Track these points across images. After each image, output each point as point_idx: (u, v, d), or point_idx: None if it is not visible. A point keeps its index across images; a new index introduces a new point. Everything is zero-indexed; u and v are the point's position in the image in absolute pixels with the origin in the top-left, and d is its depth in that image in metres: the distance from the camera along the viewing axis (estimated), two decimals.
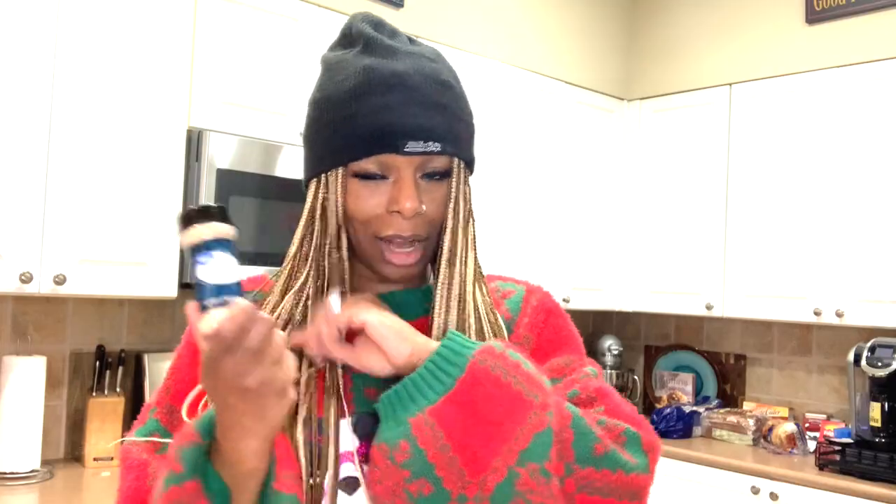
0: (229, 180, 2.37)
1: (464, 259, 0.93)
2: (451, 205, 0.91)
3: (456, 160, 0.91)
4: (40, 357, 2.28)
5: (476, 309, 0.93)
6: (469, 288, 0.93)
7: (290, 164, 2.49)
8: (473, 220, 0.95)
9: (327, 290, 0.89)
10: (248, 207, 2.41)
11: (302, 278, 0.90)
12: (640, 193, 3.73)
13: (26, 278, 2.04)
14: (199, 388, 0.88)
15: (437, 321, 0.90)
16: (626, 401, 0.93)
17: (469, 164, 0.94)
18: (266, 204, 2.45)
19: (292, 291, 0.90)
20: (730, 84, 3.42)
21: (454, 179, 0.91)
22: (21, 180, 2.06)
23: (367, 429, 0.87)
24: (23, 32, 2.06)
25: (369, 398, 0.89)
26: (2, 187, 2.03)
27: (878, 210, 2.94)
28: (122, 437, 0.95)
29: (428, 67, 0.89)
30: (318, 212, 0.90)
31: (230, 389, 0.73)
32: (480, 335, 0.91)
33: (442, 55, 0.95)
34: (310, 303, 0.89)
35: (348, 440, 0.87)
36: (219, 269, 0.73)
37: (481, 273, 0.99)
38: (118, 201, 2.22)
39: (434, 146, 0.86)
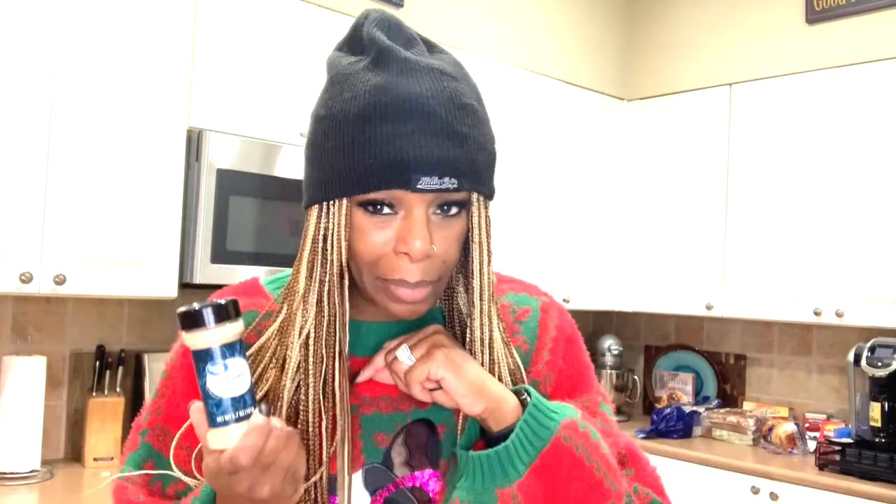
0: (229, 180, 2.37)
1: (492, 295, 0.86)
2: (477, 240, 0.83)
3: (475, 195, 0.81)
4: (40, 357, 2.28)
5: (506, 356, 0.88)
6: (496, 324, 0.87)
7: (290, 164, 2.49)
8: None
9: (332, 330, 0.83)
10: (248, 207, 2.41)
11: (301, 316, 0.82)
12: (640, 193, 3.73)
13: (26, 278, 2.04)
14: (187, 424, 0.82)
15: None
16: (646, 459, 0.94)
17: (489, 197, 0.84)
18: (266, 204, 2.45)
19: (296, 331, 0.82)
20: (730, 84, 3.42)
21: (475, 216, 0.82)
22: (21, 180, 2.06)
23: (378, 482, 0.85)
24: (23, 32, 2.06)
25: (378, 445, 0.86)
26: (2, 187, 2.03)
27: (878, 210, 2.94)
28: (121, 439, 0.95)
29: (448, 88, 0.79)
30: (321, 244, 0.80)
31: (239, 498, 0.72)
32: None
33: (463, 66, 0.86)
34: (311, 342, 0.81)
35: (358, 496, 0.85)
36: (230, 379, 0.69)
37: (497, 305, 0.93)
38: (118, 201, 2.22)
39: (450, 182, 0.76)
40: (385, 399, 0.87)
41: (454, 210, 0.80)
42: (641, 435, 3.29)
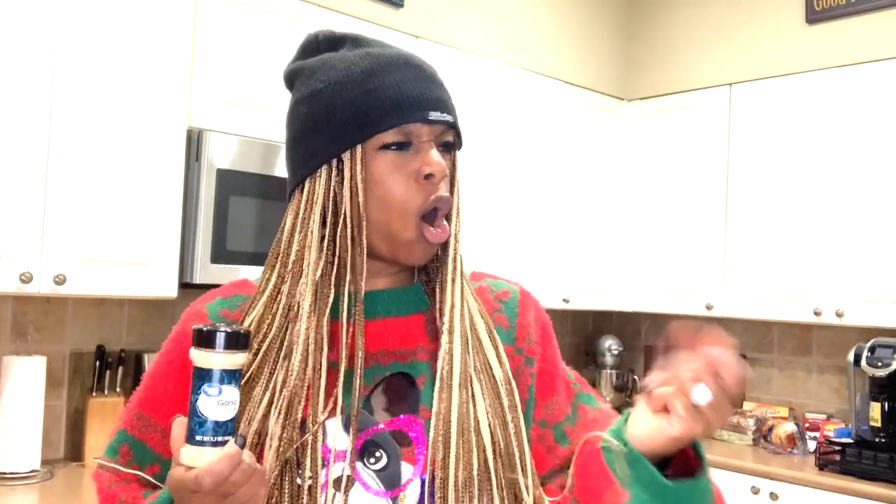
0: (229, 180, 2.37)
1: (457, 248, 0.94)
2: (457, 183, 0.93)
3: (455, 137, 0.94)
4: (40, 357, 2.28)
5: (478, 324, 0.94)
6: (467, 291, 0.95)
7: None
8: None
9: (345, 282, 0.87)
10: (248, 207, 2.41)
11: (311, 267, 0.86)
12: (639, 193, 3.73)
13: (26, 278, 2.04)
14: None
15: (451, 312, 0.90)
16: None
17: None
18: (266, 204, 2.45)
19: (307, 279, 0.86)
20: (730, 84, 3.42)
21: (456, 155, 0.94)
22: (21, 180, 2.06)
23: (358, 425, 0.86)
24: (23, 32, 2.06)
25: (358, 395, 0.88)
26: (2, 187, 2.03)
27: (878, 210, 2.94)
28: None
29: (415, 55, 0.94)
30: (331, 201, 0.87)
31: None
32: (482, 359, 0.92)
33: None
34: (301, 302, 0.86)
35: (339, 439, 0.87)
36: (220, 404, 0.72)
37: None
38: (118, 201, 2.22)
39: (448, 118, 0.90)
40: (364, 354, 0.90)
41: (449, 150, 0.92)
42: None
